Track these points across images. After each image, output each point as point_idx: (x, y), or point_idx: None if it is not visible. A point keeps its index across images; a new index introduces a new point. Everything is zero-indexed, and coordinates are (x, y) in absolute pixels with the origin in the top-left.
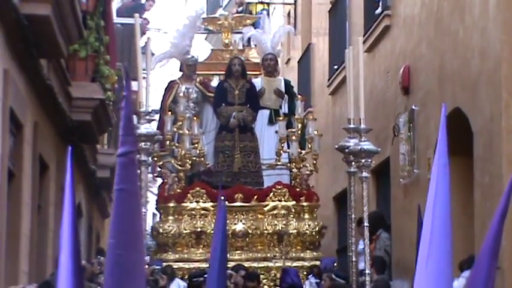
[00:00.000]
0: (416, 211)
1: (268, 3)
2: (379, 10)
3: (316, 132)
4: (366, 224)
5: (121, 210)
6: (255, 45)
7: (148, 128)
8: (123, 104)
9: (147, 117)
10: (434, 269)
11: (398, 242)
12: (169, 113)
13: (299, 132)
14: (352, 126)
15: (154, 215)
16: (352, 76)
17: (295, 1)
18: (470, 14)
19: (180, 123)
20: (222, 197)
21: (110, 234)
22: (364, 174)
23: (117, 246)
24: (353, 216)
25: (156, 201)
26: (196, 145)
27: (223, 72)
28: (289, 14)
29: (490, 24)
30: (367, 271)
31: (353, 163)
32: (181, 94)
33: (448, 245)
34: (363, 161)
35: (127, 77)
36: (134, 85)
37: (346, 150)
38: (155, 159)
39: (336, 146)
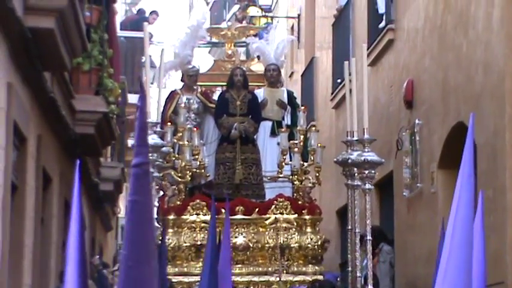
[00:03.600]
0: (420, 224)
1: (271, 17)
2: (382, 24)
3: (319, 144)
4: (369, 237)
5: (134, 222)
6: (258, 57)
7: (154, 138)
8: (137, 114)
9: (154, 128)
10: (453, 282)
11: (401, 256)
12: (169, 123)
13: (301, 144)
14: (350, 138)
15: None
16: (348, 85)
17: (299, 15)
18: (474, 28)
19: (180, 134)
20: (223, 209)
21: (123, 246)
22: (368, 186)
23: (128, 257)
24: (356, 230)
25: (157, 213)
26: (196, 156)
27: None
28: (292, 27)
29: (494, 38)
30: (370, 287)
31: (356, 175)
32: (182, 105)
33: (468, 257)
34: (366, 172)
35: (141, 88)
36: (136, 98)
37: (349, 161)
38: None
39: (335, 160)
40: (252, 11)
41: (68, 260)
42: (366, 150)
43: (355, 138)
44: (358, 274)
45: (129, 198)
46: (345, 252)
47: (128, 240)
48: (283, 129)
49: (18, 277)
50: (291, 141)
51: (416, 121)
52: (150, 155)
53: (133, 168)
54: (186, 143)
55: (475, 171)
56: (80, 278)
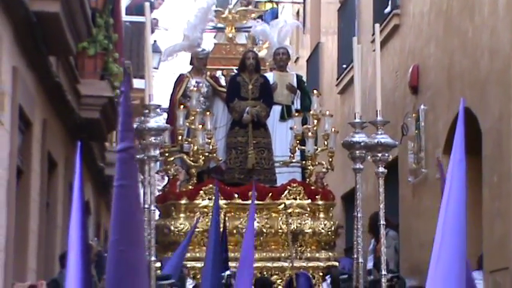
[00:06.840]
0: (425, 210)
1: (277, 2)
2: (388, 9)
3: (332, 129)
4: (382, 222)
5: (122, 206)
6: (261, 41)
7: (158, 121)
8: (121, 100)
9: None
10: (446, 266)
11: (406, 241)
12: (182, 106)
13: (315, 128)
14: (357, 120)
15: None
16: (357, 68)
17: (304, 0)
18: (480, 13)
19: (192, 117)
20: (236, 194)
21: (111, 231)
22: (381, 169)
23: (119, 242)
24: (359, 215)
25: (156, 198)
26: (209, 141)
27: (227, 67)
28: (298, 12)
29: (500, 23)
30: (383, 271)
31: (369, 158)
32: (193, 88)
33: (461, 242)
34: (379, 155)
35: (126, 73)
36: (141, 83)
37: (362, 144)
38: (166, 154)
39: (342, 142)
40: None
41: (70, 243)
42: (379, 132)
43: (358, 120)
44: (361, 260)
45: (116, 184)
46: (350, 238)
47: (118, 225)
48: (296, 114)
49: (24, 261)
50: (304, 126)
51: (422, 106)
52: (153, 138)
53: (118, 153)
54: (198, 126)
55: (479, 157)
56: (83, 261)
